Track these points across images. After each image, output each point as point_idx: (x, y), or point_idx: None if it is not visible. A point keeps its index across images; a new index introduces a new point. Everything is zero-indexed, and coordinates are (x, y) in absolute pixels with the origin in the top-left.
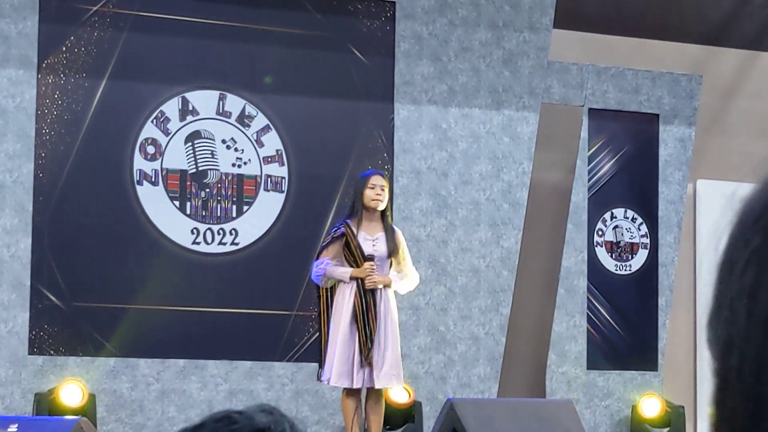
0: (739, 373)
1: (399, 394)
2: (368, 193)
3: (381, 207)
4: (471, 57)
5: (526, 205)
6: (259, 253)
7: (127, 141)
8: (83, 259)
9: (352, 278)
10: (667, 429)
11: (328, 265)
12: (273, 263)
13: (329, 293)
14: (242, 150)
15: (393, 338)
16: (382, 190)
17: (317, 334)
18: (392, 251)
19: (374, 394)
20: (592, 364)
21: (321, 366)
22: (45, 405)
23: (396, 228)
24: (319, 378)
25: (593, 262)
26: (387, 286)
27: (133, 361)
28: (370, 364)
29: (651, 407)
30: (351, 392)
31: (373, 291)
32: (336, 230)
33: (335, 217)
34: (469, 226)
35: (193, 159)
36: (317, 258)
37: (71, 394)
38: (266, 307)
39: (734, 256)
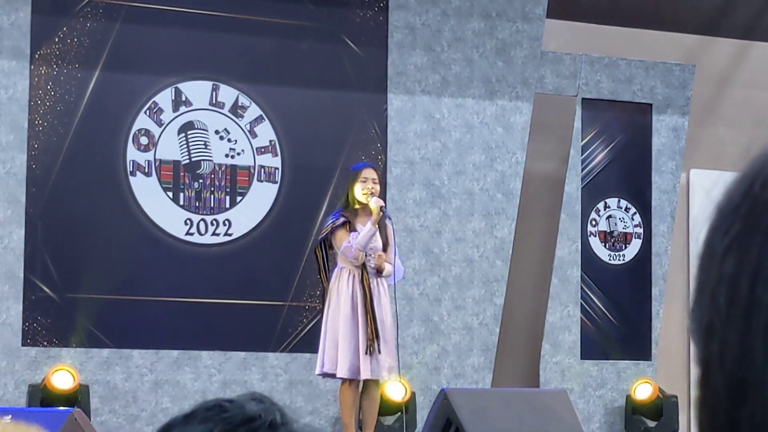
0: (721, 359)
1: (396, 391)
2: (360, 187)
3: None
4: (464, 47)
5: (519, 195)
6: (253, 243)
7: (120, 132)
8: (76, 251)
9: (374, 225)
10: (661, 419)
11: (353, 242)
12: (266, 254)
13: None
14: (235, 141)
15: (392, 329)
16: (374, 183)
17: (313, 326)
18: (385, 243)
19: (371, 385)
20: (586, 353)
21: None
22: (36, 395)
23: (387, 221)
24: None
25: (587, 252)
26: (381, 268)
27: (127, 352)
28: (371, 353)
29: (643, 392)
30: (351, 384)
31: (369, 282)
32: (336, 219)
33: (329, 208)
34: (462, 216)
35: (186, 150)
36: (321, 246)
37: (62, 380)
38: (260, 297)
39: (715, 243)
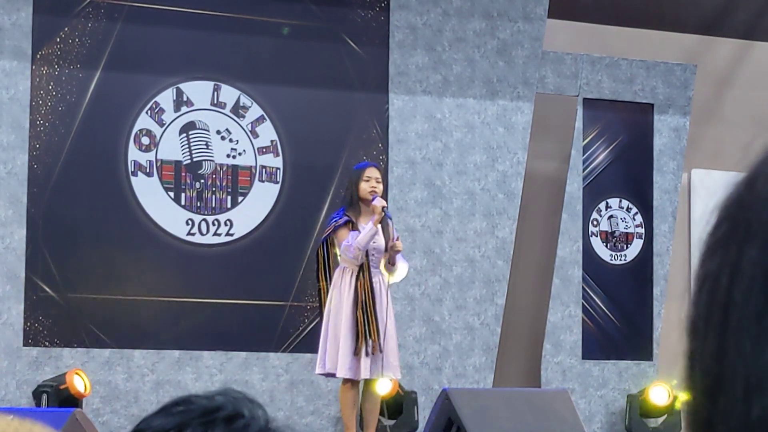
0: (701, 355)
1: (382, 386)
2: (364, 186)
3: None
4: (465, 47)
5: (520, 195)
6: (254, 243)
7: (121, 132)
8: (78, 251)
9: (375, 225)
10: (664, 417)
11: (353, 240)
12: (268, 254)
13: (330, 285)
14: (237, 141)
15: (393, 328)
16: (377, 182)
17: (314, 326)
18: (387, 243)
19: (372, 385)
20: (587, 353)
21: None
22: (54, 396)
23: (390, 221)
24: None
25: (588, 252)
26: (391, 259)
27: (128, 352)
28: (368, 354)
29: (658, 395)
30: (351, 384)
31: (372, 281)
32: (339, 218)
33: (330, 208)
34: (463, 216)
35: (187, 150)
36: (324, 246)
37: (80, 384)
38: (261, 297)
39: (705, 243)
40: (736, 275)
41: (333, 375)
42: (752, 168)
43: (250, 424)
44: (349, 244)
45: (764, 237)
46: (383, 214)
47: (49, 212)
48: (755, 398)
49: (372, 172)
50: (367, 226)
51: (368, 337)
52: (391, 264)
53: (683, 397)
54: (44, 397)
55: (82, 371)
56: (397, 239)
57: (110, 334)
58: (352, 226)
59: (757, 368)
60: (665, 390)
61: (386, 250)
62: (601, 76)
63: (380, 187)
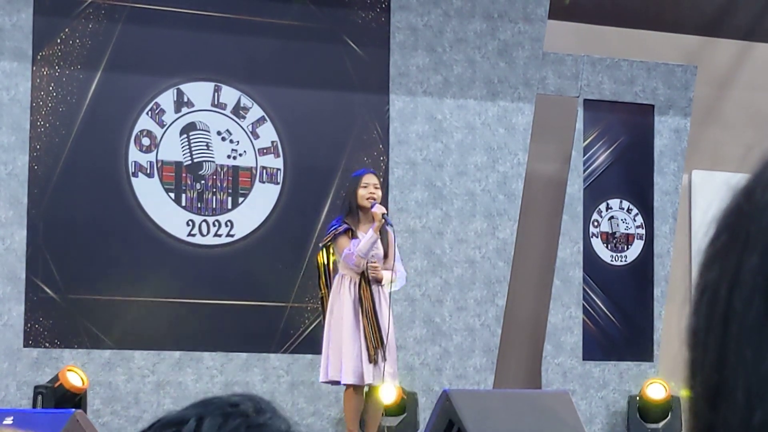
0: (702, 364)
1: (387, 394)
2: (362, 193)
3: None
4: (466, 48)
5: (521, 196)
6: (255, 244)
7: (122, 133)
8: (78, 252)
9: (375, 232)
10: (664, 420)
11: (354, 248)
12: (268, 255)
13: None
14: (237, 142)
15: (392, 335)
16: (375, 188)
17: (315, 327)
18: (386, 250)
19: (377, 391)
20: (588, 355)
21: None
22: (50, 395)
23: (389, 228)
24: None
25: (589, 253)
26: (379, 280)
27: (129, 353)
28: (376, 361)
29: (656, 392)
30: (356, 390)
31: (371, 288)
32: (339, 226)
33: (330, 209)
34: (464, 217)
35: (188, 151)
36: (323, 253)
37: (75, 379)
38: (262, 298)
39: (705, 253)
40: (736, 284)
41: (337, 382)
42: (750, 177)
43: (272, 419)
44: (350, 252)
45: (764, 246)
46: (383, 220)
47: (49, 213)
48: (756, 405)
49: (369, 179)
50: (367, 234)
51: (375, 344)
52: (376, 281)
53: (683, 394)
54: (39, 398)
55: (74, 366)
56: (396, 244)
57: (110, 335)
58: (352, 234)
59: (758, 376)
60: (662, 387)
61: (385, 257)
62: (602, 77)
63: (378, 193)
